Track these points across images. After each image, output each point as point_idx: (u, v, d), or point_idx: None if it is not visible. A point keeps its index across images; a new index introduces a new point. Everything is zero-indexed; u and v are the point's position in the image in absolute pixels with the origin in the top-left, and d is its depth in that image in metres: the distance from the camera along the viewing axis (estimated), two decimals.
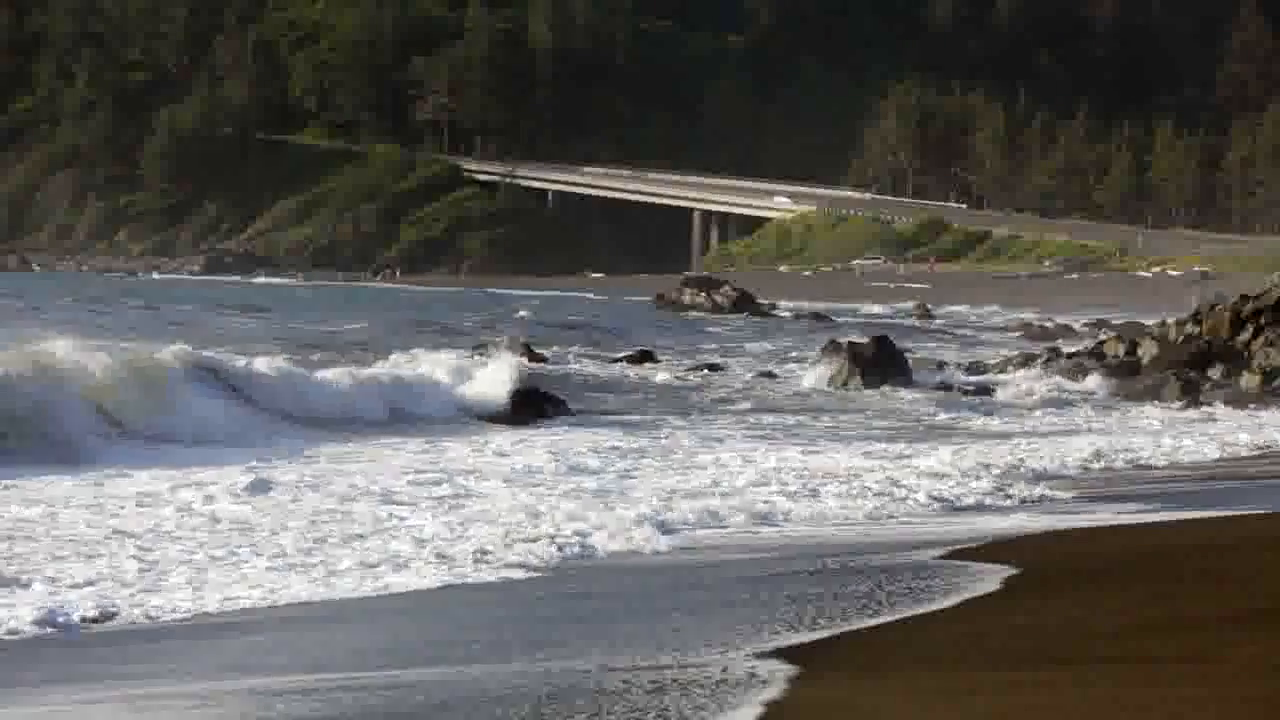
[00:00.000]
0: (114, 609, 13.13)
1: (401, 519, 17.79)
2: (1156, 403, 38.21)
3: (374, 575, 14.66)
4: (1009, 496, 21.21)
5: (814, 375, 44.12)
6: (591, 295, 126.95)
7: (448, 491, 20.27)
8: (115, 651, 11.96)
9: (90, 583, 14.06)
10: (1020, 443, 29.04)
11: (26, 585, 13.90)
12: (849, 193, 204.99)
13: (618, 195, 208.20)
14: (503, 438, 29.01)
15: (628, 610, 13.27)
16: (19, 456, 22.80)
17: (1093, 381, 41.16)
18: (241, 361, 32.69)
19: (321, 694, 10.00)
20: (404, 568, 14.97)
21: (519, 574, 15.00)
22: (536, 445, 27.44)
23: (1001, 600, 13.21)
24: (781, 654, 11.02)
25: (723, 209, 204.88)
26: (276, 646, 11.87)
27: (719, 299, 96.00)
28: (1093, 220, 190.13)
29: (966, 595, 13.33)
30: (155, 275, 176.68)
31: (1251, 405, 37.25)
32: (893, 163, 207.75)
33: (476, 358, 39.67)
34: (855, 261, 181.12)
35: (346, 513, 18.28)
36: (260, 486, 20.15)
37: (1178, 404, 37.85)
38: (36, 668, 11.39)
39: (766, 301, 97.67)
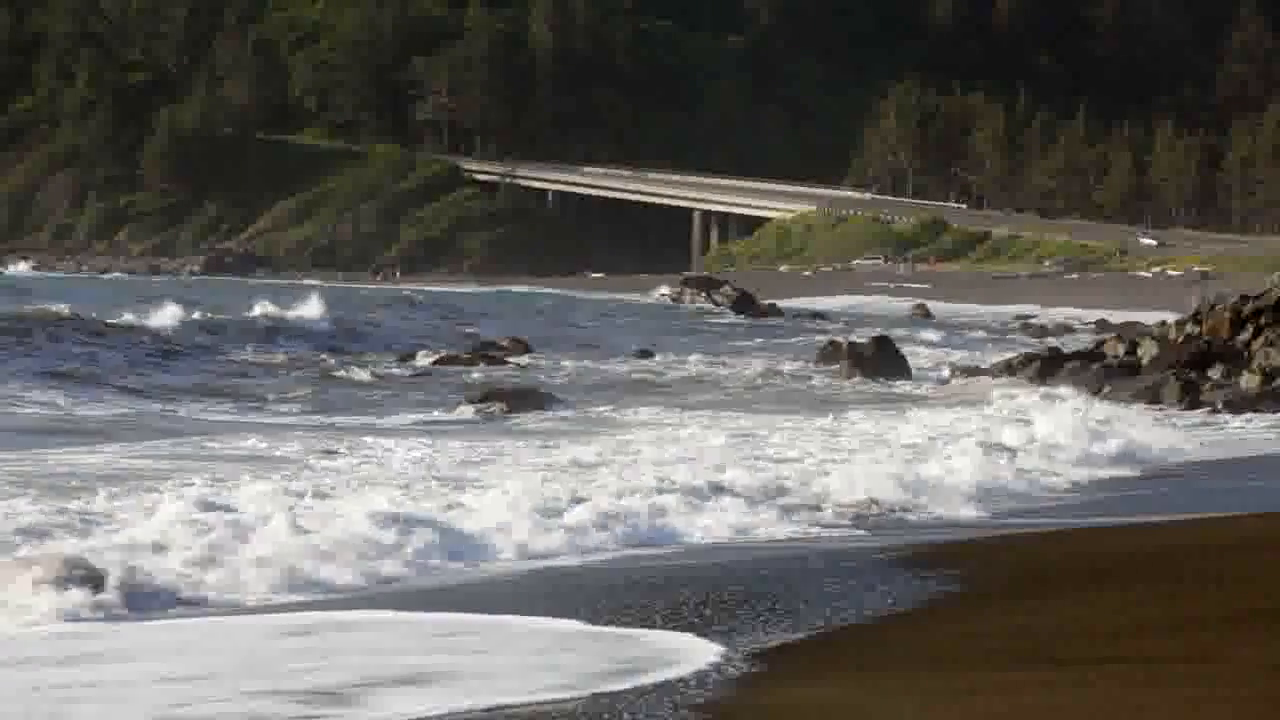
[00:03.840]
0: None
1: None
2: None
3: None
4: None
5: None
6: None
7: None
8: None
9: None
10: None
11: None
12: (849, 193, 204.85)
13: (618, 195, 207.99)
14: None
15: None
16: None
17: None
18: None
19: None
20: None
21: None
22: None
23: (1001, 600, 13.20)
24: (779, 650, 11.02)
25: (723, 209, 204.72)
26: None
27: (719, 299, 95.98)
28: (1093, 220, 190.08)
29: (966, 593, 13.33)
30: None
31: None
32: (893, 163, 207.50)
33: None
34: (855, 261, 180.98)
35: None
36: None
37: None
38: None
39: (767, 301, 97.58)
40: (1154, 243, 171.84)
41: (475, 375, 44.73)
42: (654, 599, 13.24)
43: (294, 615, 13.11)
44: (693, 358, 53.98)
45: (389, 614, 12.98)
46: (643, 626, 12.09)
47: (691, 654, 11.01)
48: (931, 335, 73.04)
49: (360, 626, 12.51)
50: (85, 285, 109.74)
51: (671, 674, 10.42)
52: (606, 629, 12.05)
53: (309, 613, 13.22)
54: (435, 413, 34.07)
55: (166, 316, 52.82)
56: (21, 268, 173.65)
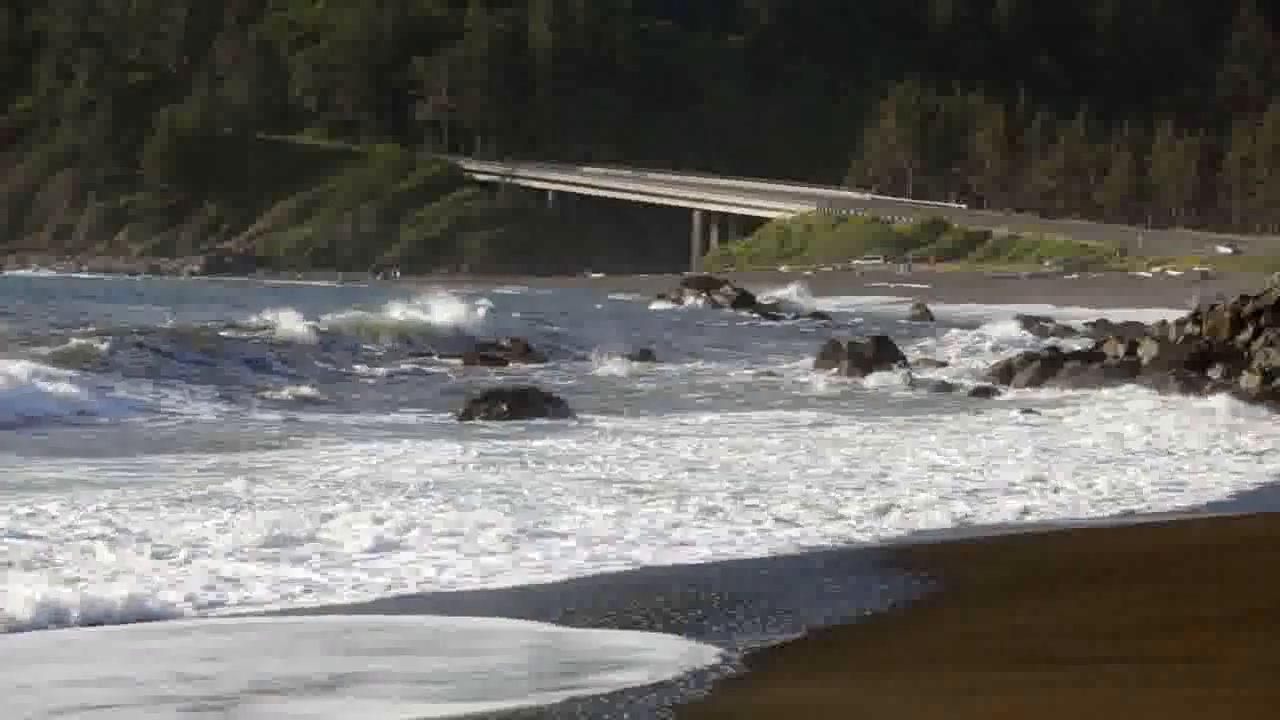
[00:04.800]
0: None
1: None
2: None
3: None
4: None
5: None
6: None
7: None
8: None
9: None
10: None
11: None
12: (849, 193, 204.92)
13: (618, 195, 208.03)
14: None
15: None
16: None
17: None
18: None
19: None
20: None
21: None
22: None
23: (1002, 600, 13.19)
24: (778, 650, 11.01)
25: (723, 209, 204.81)
26: None
27: (719, 299, 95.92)
28: (1093, 220, 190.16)
29: (966, 594, 13.31)
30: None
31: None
32: (893, 163, 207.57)
33: None
34: (855, 261, 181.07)
35: None
36: None
37: None
38: None
39: (767, 301, 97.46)
40: (1229, 250, 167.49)
41: (506, 374, 44.44)
42: (652, 599, 13.22)
43: (226, 619, 12.90)
44: (694, 358, 54.05)
45: (342, 619, 12.68)
46: (641, 628, 12.06)
47: (691, 654, 10.98)
48: (931, 335, 72.96)
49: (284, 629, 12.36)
50: (117, 287, 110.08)
51: (669, 675, 10.39)
52: (604, 630, 12.02)
53: (223, 618, 12.86)
54: (435, 415, 33.93)
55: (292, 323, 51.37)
56: (35, 269, 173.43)
